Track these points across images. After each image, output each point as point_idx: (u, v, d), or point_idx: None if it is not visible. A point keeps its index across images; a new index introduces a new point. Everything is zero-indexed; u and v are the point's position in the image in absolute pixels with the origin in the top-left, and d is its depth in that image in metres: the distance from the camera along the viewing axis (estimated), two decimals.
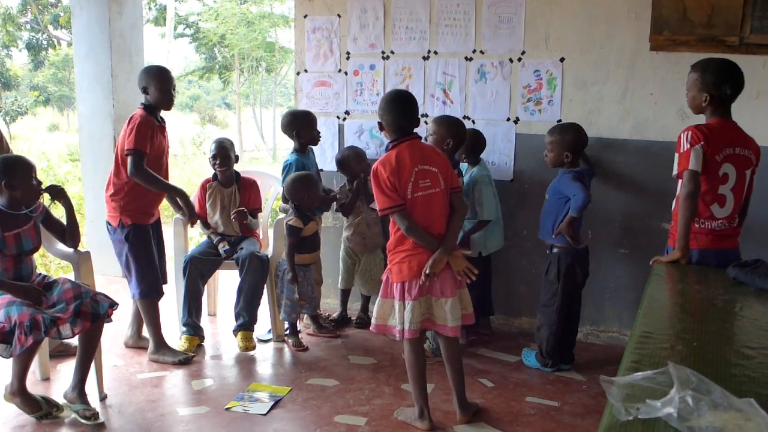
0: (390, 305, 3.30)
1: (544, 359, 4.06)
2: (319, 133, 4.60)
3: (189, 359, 4.21)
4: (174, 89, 4.12)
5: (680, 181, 3.08)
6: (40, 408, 3.38)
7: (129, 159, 3.90)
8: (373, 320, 3.38)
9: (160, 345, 4.21)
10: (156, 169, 4.04)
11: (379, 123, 3.26)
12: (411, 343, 3.30)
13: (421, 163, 3.18)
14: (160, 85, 4.02)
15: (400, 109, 3.20)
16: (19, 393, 3.34)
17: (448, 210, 3.28)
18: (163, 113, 4.12)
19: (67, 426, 3.38)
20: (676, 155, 3.07)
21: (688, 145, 3.00)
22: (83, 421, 3.36)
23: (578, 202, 3.76)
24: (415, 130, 3.27)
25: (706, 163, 2.98)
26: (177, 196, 4.12)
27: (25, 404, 3.36)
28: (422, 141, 3.34)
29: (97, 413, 3.40)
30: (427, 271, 3.17)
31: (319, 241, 4.56)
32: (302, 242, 4.35)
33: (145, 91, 4.04)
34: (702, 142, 2.98)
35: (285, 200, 4.52)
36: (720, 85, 3.03)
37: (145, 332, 4.40)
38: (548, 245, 4.02)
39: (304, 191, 4.27)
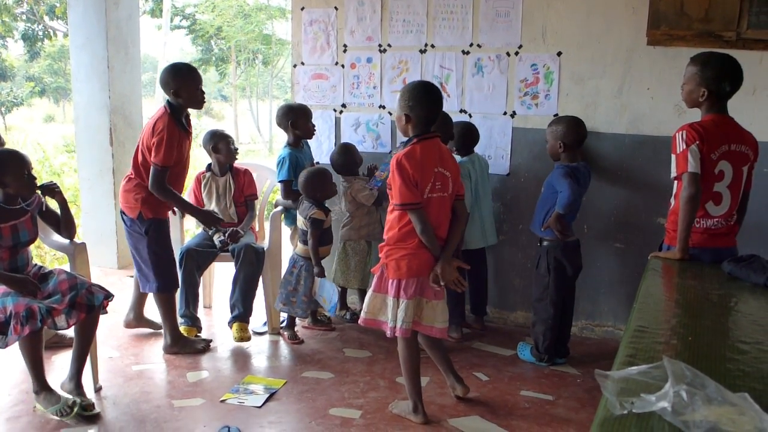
0: (382, 300, 3.28)
1: (540, 354, 4.06)
2: (314, 126, 4.59)
3: (209, 344, 4.26)
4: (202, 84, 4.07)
5: (677, 182, 3.06)
6: (59, 399, 3.33)
7: (152, 171, 3.88)
8: (363, 313, 3.36)
9: (178, 338, 4.22)
10: (177, 171, 4.04)
11: (406, 116, 3.12)
12: (406, 339, 3.29)
13: (440, 165, 3.15)
14: (193, 87, 3.95)
15: (433, 101, 3.13)
16: (42, 389, 3.31)
17: (450, 216, 3.28)
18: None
19: (62, 421, 3.36)
20: (673, 156, 3.04)
21: (684, 146, 2.96)
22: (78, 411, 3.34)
23: (564, 200, 3.77)
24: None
25: (702, 161, 2.95)
26: (197, 217, 4.24)
27: (51, 400, 3.31)
28: (440, 140, 3.26)
29: (93, 404, 3.40)
30: (441, 283, 3.19)
31: (332, 234, 4.54)
32: (321, 235, 4.32)
33: (176, 94, 3.91)
34: (698, 141, 2.94)
35: (284, 196, 4.51)
36: (720, 82, 2.98)
37: (147, 314, 4.49)
38: (538, 238, 4.03)
39: (317, 189, 4.24)
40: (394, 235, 3.20)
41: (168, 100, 3.96)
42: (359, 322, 3.42)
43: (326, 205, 4.37)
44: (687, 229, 2.94)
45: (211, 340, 4.31)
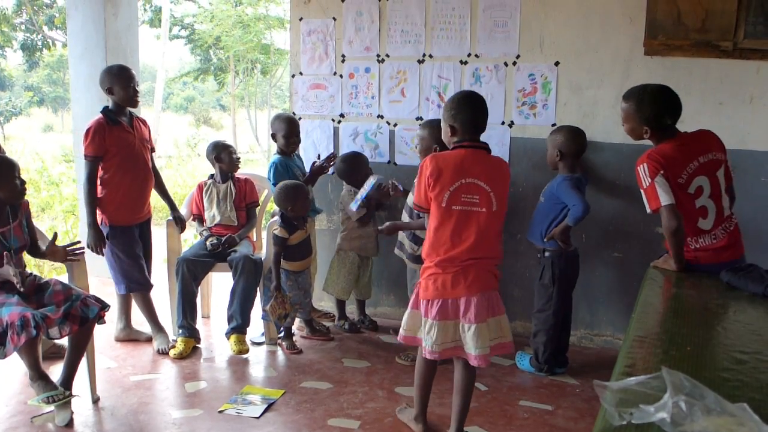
0: (419, 317, 3.11)
1: (539, 364, 4.05)
2: (294, 141, 4.55)
3: (166, 352, 4.31)
4: (136, 85, 4.25)
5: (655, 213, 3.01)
6: (56, 388, 3.35)
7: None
8: (401, 330, 3.18)
9: (158, 330, 4.45)
10: (128, 166, 4.23)
11: (451, 127, 3.00)
12: (426, 361, 3.17)
13: (474, 177, 2.94)
14: (124, 82, 4.16)
15: (475, 104, 3.00)
16: (38, 378, 3.33)
17: (496, 234, 3.05)
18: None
19: (61, 430, 3.36)
20: (642, 191, 2.99)
21: (650, 180, 2.93)
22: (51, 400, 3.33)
23: (578, 213, 3.73)
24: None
25: (673, 188, 2.92)
26: (91, 229, 4.19)
27: (46, 387, 3.33)
28: (488, 153, 3.05)
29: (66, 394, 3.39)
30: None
31: (310, 248, 4.52)
32: (291, 250, 4.32)
33: (110, 91, 4.17)
34: (661, 171, 2.92)
35: None
36: (659, 118, 2.98)
37: (135, 324, 4.56)
38: (540, 249, 4.02)
39: (287, 202, 4.23)
40: (424, 247, 3.08)
41: (104, 108, 4.23)
42: (399, 339, 3.22)
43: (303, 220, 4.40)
44: (679, 254, 2.93)
45: (168, 349, 4.33)
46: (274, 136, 4.57)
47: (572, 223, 3.78)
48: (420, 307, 3.09)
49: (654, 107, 2.97)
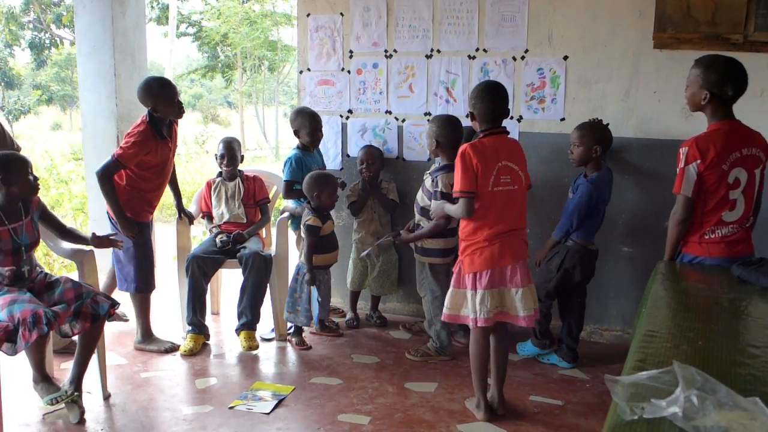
0: (462, 295, 3.35)
1: (540, 340, 4.12)
2: (320, 137, 4.59)
3: (174, 347, 4.32)
4: (179, 96, 4.20)
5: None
6: (58, 389, 3.40)
7: (108, 160, 4.03)
8: (445, 309, 3.43)
9: (148, 335, 4.37)
10: (156, 175, 4.20)
11: (471, 114, 3.30)
12: (479, 333, 3.36)
13: (506, 159, 3.25)
14: (168, 100, 4.09)
15: (493, 95, 3.25)
16: (41, 380, 3.38)
17: (524, 205, 3.37)
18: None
19: (72, 427, 3.37)
20: (678, 169, 3.03)
21: (683, 164, 2.96)
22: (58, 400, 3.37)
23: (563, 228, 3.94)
24: None
25: (714, 175, 2.93)
26: (121, 220, 4.12)
27: (48, 390, 3.38)
28: (508, 135, 3.37)
29: (74, 395, 3.40)
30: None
31: (337, 241, 4.50)
32: (321, 242, 4.30)
33: (154, 110, 4.07)
34: (699, 161, 2.92)
35: (285, 195, 4.53)
36: (722, 85, 2.94)
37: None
38: (562, 237, 4.00)
39: (316, 189, 4.21)
40: (467, 230, 3.30)
41: (149, 112, 4.10)
42: (443, 318, 3.49)
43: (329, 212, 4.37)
44: (673, 247, 3.09)
45: (178, 345, 4.34)
46: (296, 132, 4.57)
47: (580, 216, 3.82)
48: (464, 284, 3.33)
49: (720, 73, 2.95)
